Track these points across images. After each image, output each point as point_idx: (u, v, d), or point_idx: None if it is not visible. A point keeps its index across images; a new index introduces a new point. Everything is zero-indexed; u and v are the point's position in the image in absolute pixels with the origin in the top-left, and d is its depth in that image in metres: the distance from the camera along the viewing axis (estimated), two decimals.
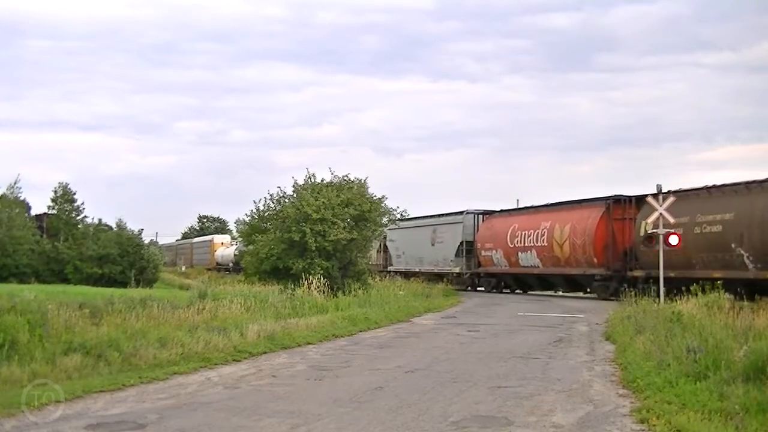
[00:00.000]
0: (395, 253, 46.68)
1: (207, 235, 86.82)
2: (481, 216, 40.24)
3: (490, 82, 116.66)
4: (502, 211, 40.06)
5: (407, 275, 41.92)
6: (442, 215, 42.99)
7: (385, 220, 29.90)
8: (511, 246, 35.60)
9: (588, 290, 33.01)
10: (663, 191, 23.48)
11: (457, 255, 40.09)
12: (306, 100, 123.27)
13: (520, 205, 40.08)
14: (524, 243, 34.74)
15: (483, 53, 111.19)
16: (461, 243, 39.84)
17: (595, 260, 30.30)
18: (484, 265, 38.78)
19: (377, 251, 46.98)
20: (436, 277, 41.21)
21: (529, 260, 34.66)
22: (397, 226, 46.02)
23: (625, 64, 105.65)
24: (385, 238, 45.39)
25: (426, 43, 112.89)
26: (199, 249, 77.00)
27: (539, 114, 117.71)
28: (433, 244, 42.34)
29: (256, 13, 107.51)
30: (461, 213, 40.82)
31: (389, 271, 44.68)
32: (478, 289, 39.66)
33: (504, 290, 38.36)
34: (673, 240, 22.35)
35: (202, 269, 63.98)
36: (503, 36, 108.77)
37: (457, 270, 40.02)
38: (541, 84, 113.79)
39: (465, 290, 38.55)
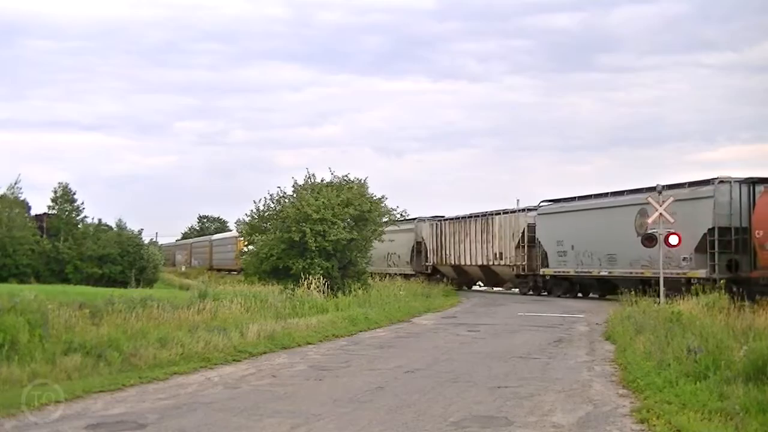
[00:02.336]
0: (555, 248, 32.14)
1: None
2: (749, 186, 23.78)
3: (492, 82, 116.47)
4: None
5: (576, 283, 31.98)
6: (662, 187, 24.04)
7: (385, 219, 29.90)
8: None
9: None
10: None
11: (697, 250, 24.33)
12: (307, 100, 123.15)
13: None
14: None
15: (484, 53, 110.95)
16: (708, 231, 23.92)
17: None
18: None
19: (516, 247, 34.56)
20: (641, 284, 25.63)
21: None
22: (551, 209, 33.23)
23: (626, 64, 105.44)
24: (529, 226, 33.91)
25: (427, 43, 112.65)
26: (220, 247, 65.15)
27: (540, 114, 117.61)
28: (639, 234, 26.04)
29: (258, 13, 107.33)
30: (709, 182, 24.64)
31: (541, 276, 33.31)
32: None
33: None
34: (673, 240, 21.45)
35: (203, 269, 60.59)
36: (505, 36, 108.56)
37: (701, 274, 23.83)
38: (542, 84, 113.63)
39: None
